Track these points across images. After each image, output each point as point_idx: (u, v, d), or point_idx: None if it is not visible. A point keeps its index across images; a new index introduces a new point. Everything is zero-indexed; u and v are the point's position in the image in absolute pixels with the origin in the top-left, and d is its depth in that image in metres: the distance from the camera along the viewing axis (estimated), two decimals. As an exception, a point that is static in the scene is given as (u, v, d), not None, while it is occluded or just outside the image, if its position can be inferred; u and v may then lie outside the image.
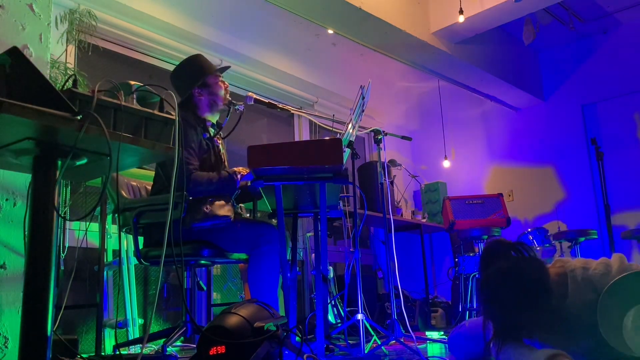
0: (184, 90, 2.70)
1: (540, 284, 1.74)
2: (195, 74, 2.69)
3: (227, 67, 2.87)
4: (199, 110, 2.69)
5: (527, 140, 6.26)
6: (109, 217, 3.12)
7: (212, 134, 2.69)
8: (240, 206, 2.79)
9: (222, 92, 2.72)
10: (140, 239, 2.53)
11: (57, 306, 1.95)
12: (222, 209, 2.45)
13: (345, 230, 3.52)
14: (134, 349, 2.83)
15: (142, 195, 2.78)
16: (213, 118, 2.74)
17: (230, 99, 2.75)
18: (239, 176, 2.53)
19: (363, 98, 2.73)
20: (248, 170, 2.52)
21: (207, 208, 2.39)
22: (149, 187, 2.77)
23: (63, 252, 3.03)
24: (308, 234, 4.25)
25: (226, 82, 2.78)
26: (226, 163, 2.79)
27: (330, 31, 4.78)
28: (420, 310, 5.00)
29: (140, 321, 3.30)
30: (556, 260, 1.89)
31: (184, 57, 2.89)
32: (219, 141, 2.75)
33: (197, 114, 2.68)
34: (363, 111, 2.77)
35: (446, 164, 6.37)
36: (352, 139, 2.71)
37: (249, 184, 2.73)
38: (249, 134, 5.31)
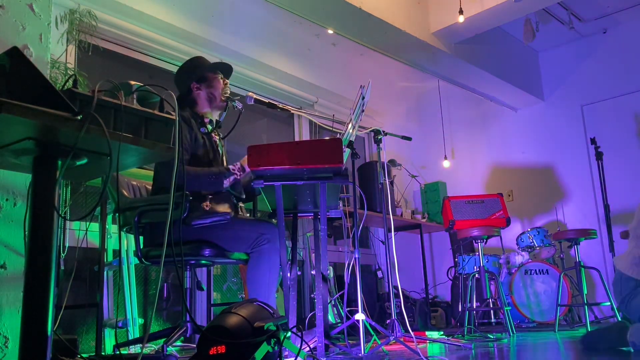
0: (182, 84, 2.73)
1: None
2: (193, 68, 2.74)
3: (229, 67, 2.86)
4: (197, 107, 2.70)
5: (527, 140, 6.26)
6: (109, 217, 3.12)
7: (209, 130, 2.68)
8: (240, 206, 2.78)
9: (221, 88, 2.73)
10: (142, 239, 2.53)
11: (57, 306, 1.95)
12: (222, 206, 2.45)
13: (345, 230, 3.52)
14: (134, 349, 2.84)
15: (142, 195, 2.78)
16: (212, 114, 2.73)
17: (228, 94, 2.75)
18: (231, 178, 2.50)
19: (363, 98, 2.73)
20: (242, 167, 2.50)
21: (206, 205, 2.40)
22: (149, 187, 2.77)
23: (63, 252, 3.03)
24: (308, 234, 4.25)
25: (226, 80, 2.79)
26: (225, 163, 2.78)
27: (330, 31, 4.78)
28: (420, 310, 5.00)
29: (140, 321, 3.30)
30: None
31: (184, 57, 2.91)
32: (216, 137, 2.74)
33: (195, 110, 2.69)
34: (363, 111, 2.77)
35: (446, 164, 6.38)
36: (352, 139, 2.71)
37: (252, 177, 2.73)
38: (249, 134, 5.31)
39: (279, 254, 2.45)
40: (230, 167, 2.51)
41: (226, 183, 2.49)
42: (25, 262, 1.40)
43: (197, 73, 2.72)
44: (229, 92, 2.77)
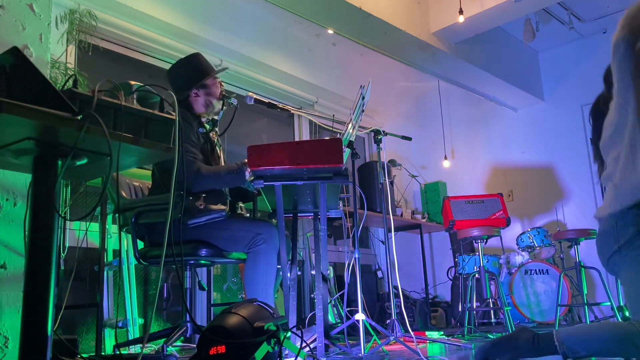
0: (182, 90, 2.69)
1: None
2: (194, 76, 2.69)
3: (226, 69, 2.87)
4: (193, 109, 2.70)
5: (526, 141, 6.26)
6: (109, 217, 3.12)
7: (207, 129, 2.68)
8: (241, 206, 2.79)
9: (219, 93, 2.73)
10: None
11: (57, 306, 1.95)
12: (216, 205, 2.45)
13: (345, 230, 3.52)
14: (134, 349, 2.84)
15: (142, 195, 2.78)
16: (207, 116, 2.74)
17: (223, 92, 2.75)
18: (249, 169, 2.50)
19: (363, 98, 2.73)
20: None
21: (200, 205, 2.40)
22: (150, 187, 2.77)
23: (63, 252, 3.03)
24: (308, 234, 4.25)
25: (222, 83, 2.79)
26: (223, 161, 2.78)
27: (330, 31, 4.78)
28: (420, 310, 5.00)
29: (140, 321, 3.30)
30: None
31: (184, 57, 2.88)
32: (215, 137, 2.74)
33: (191, 112, 2.69)
34: (363, 111, 2.77)
35: (446, 164, 6.37)
36: (352, 139, 2.71)
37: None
38: (249, 134, 5.31)
39: (276, 253, 2.45)
40: (246, 160, 2.51)
41: (247, 175, 2.49)
42: (25, 262, 1.40)
43: (199, 81, 2.69)
44: (223, 91, 2.76)
